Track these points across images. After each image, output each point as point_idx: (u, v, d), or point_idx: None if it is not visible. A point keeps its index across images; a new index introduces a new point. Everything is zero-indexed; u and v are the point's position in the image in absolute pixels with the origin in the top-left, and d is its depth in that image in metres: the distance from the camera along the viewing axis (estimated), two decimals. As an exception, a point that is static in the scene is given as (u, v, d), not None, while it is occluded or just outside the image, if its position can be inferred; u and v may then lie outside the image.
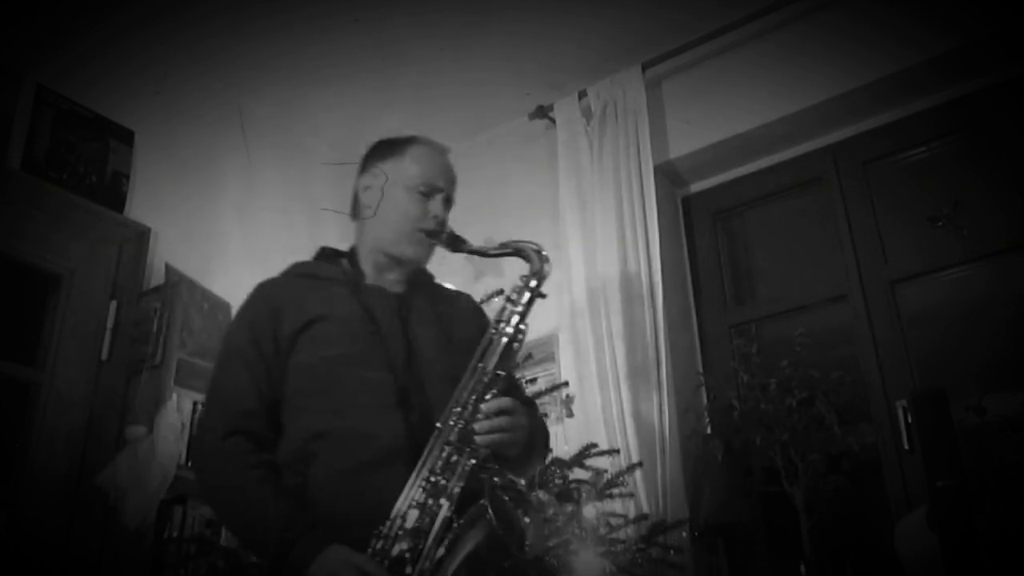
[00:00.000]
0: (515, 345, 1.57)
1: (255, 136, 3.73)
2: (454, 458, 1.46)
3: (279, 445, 1.58)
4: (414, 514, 1.41)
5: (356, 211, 1.83)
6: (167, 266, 3.10)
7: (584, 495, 2.42)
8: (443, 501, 1.42)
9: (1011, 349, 2.74)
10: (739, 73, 3.33)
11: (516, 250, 1.66)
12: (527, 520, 1.47)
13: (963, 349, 2.89)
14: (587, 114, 3.51)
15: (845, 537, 2.77)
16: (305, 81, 3.62)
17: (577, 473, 2.52)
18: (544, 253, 1.65)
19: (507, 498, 1.45)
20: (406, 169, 1.75)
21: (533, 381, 3.00)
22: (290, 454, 1.54)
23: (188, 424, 2.91)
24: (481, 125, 3.87)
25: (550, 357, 3.32)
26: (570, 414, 3.02)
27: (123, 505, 2.56)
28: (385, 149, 1.82)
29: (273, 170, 3.77)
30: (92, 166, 3.02)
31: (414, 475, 1.44)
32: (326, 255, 1.82)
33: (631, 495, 2.74)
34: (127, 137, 3.16)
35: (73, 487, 2.75)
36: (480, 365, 1.54)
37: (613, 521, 2.52)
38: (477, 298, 2.42)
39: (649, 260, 3.14)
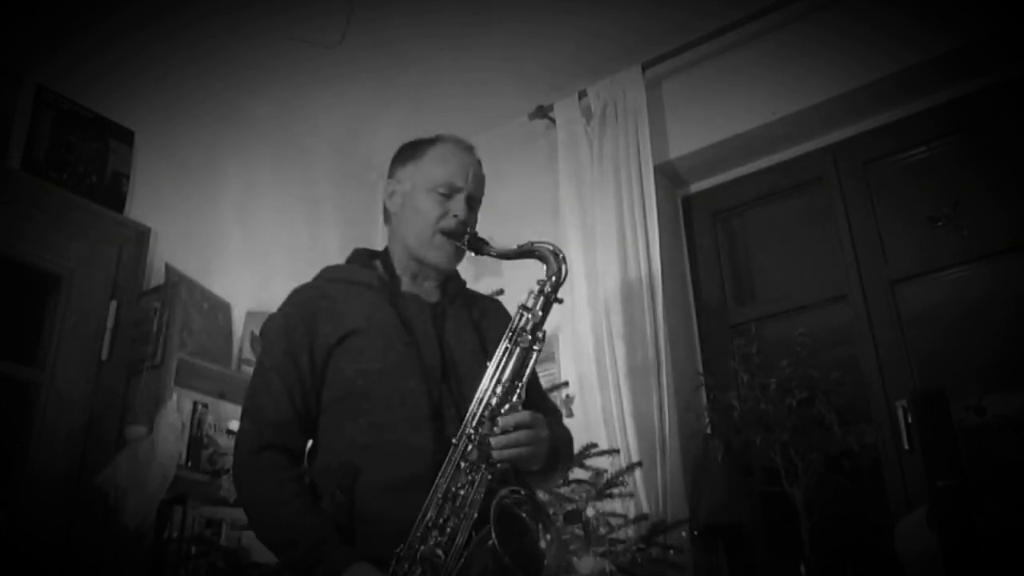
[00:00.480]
0: (534, 354, 1.53)
1: (255, 136, 3.73)
2: (470, 475, 1.43)
3: (317, 456, 1.58)
4: (434, 533, 1.40)
5: (386, 217, 1.81)
6: (167, 266, 3.10)
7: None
8: (460, 519, 1.40)
9: (1011, 349, 2.74)
10: (739, 73, 3.33)
11: (531, 251, 1.62)
12: (548, 537, 1.40)
13: (963, 349, 2.89)
14: (587, 114, 3.51)
15: (845, 537, 2.77)
16: (305, 81, 3.62)
17: (577, 473, 2.52)
18: (561, 255, 1.61)
19: (523, 514, 1.40)
20: (425, 171, 1.72)
21: (533, 381, 3.00)
22: (331, 466, 1.53)
23: (188, 424, 2.91)
24: (481, 125, 3.86)
25: (550, 357, 3.32)
26: (570, 414, 3.02)
27: (123, 505, 2.56)
28: (407, 153, 1.80)
29: (273, 170, 3.77)
30: (92, 166, 3.02)
31: (431, 493, 1.42)
32: (359, 257, 1.79)
33: (631, 495, 2.74)
34: (127, 137, 3.16)
35: (73, 487, 2.75)
36: (496, 376, 1.51)
37: (613, 521, 2.52)
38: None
39: (649, 260, 3.14)
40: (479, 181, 1.76)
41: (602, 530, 2.45)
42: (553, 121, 3.60)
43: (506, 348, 1.54)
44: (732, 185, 3.52)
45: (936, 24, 2.90)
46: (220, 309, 3.26)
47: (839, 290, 3.11)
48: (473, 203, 1.73)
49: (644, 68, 3.41)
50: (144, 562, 2.63)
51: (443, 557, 1.38)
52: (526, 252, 1.62)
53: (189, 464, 2.85)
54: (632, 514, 2.66)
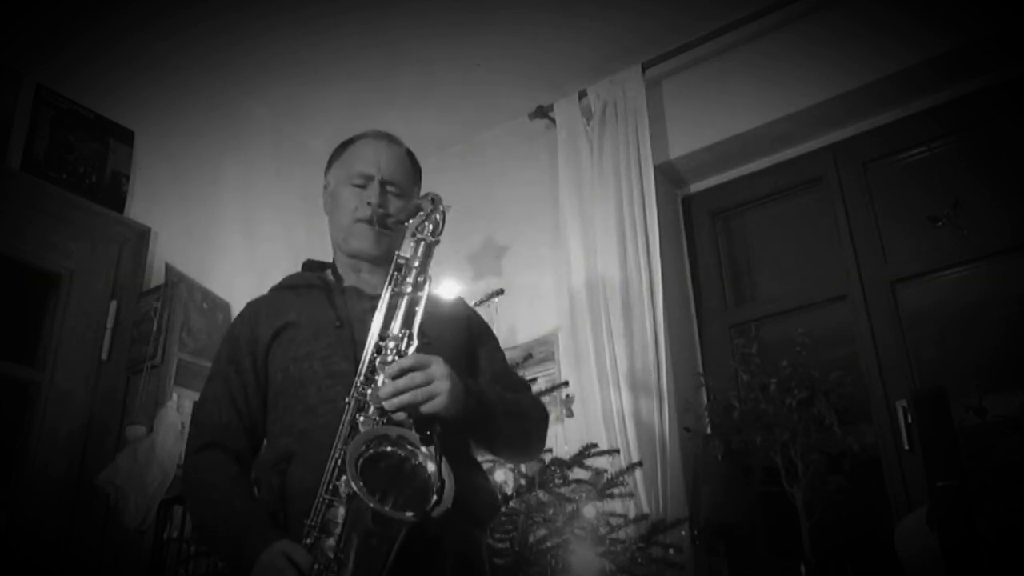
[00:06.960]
0: (420, 300, 1.53)
1: (255, 136, 3.73)
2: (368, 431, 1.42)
3: (265, 450, 1.62)
4: (336, 499, 1.38)
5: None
6: (167, 266, 3.10)
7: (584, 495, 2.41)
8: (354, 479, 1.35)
9: (1011, 349, 2.74)
10: (739, 73, 3.33)
11: (416, 207, 1.64)
12: (424, 451, 1.35)
13: (963, 349, 2.89)
14: (587, 114, 3.51)
15: (845, 537, 2.77)
16: (305, 81, 3.62)
17: (577, 473, 2.52)
18: (436, 199, 1.61)
19: (389, 448, 1.37)
20: (343, 168, 1.80)
21: (533, 381, 3.01)
22: (274, 454, 1.57)
23: (188, 424, 2.91)
24: (481, 125, 3.86)
25: (550, 357, 3.32)
26: (570, 414, 3.02)
27: (123, 505, 2.56)
28: (332, 157, 1.87)
29: (273, 170, 3.77)
30: (92, 166, 3.02)
31: (330, 458, 1.41)
32: (309, 266, 1.86)
33: (631, 495, 2.74)
34: (127, 137, 3.16)
35: (73, 487, 2.75)
36: (381, 330, 1.51)
37: (613, 521, 2.52)
38: (476, 298, 2.44)
39: (649, 260, 3.14)
40: (396, 164, 1.78)
41: (602, 530, 2.45)
42: (553, 121, 3.60)
43: (389, 300, 1.54)
44: (732, 185, 3.52)
45: (936, 24, 2.90)
46: (220, 309, 3.25)
47: (839, 290, 3.11)
48: (390, 187, 1.75)
49: (644, 68, 3.41)
50: (144, 562, 2.63)
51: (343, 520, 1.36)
52: (413, 210, 1.65)
53: (189, 464, 2.85)
54: (632, 514, 2.66)
